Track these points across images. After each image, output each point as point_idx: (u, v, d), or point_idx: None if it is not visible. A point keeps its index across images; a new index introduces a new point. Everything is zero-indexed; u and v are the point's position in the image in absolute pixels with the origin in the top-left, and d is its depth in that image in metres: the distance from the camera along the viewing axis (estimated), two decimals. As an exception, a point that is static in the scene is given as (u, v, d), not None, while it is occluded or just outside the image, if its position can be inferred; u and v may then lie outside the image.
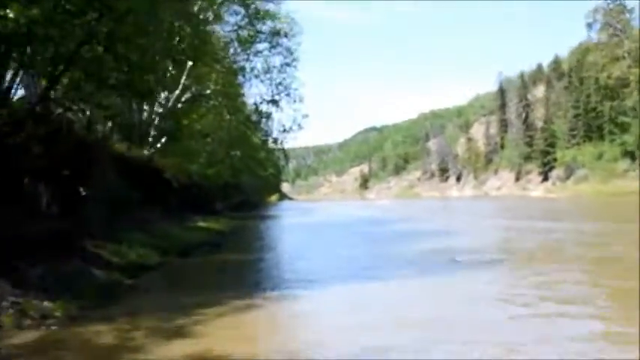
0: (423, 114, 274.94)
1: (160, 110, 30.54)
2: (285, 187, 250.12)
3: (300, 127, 36.55)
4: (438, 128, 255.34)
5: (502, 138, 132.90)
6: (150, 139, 30.89)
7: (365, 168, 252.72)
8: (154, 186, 30.83)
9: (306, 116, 37.60)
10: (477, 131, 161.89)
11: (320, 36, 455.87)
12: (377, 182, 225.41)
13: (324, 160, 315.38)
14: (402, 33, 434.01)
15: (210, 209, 52.34)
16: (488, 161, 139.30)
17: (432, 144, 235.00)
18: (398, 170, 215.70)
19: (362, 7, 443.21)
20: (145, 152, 31.17)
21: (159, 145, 30.97)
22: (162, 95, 30.41)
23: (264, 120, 34.32)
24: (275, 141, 38.48)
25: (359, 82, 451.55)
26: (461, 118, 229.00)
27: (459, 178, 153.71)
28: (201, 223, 32.78)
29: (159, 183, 31.44)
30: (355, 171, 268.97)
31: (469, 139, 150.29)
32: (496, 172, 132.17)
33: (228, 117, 32.55)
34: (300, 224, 39.91)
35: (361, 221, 39.24)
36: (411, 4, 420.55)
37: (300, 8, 46.31)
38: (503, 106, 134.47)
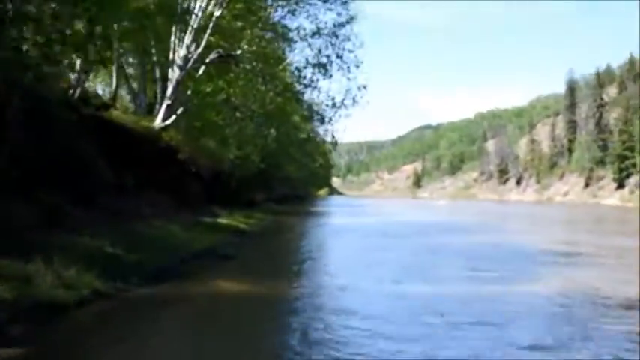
0: (481, 113, 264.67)
1: (177, 73, 23.38)
2: (336, 181, 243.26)
3: (355, 101, 28.88)
4: (496, 129, 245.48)
5: (570, 140, 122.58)
6: (163, 109, 23.86)
7: (418, 166, 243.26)
8: (161, 168, 23.78)
9: (363, 87, 29.79)
10: (540, 133, 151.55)
11: (378, 32, 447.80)
12: (430, 181, 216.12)
13: (377, 157, 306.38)
14: (461, 32, 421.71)
15: (247, 201, 45.44)
16: (553, 165, 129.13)
17: (490, 145, 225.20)
18: (453, 170, 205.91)
19: (420, 5, 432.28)
20: (156, 125, 24.18)
21: (174, 117, 23.89)
22: (180, 53, 23.26)
23: (308, 90, 26.69)
24: (322, 119, 30.71)
25: (415, 79, 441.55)
26: (520, 119, 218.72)
27: (519, 182, 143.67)
28: (224, 220, 25.55)
29: (169, 165, 24.38)
30: (408, 169, 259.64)
31: (532, 141, 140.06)
32: (562, 176, 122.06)
33: (263, 87, 25.05)
34: (352, 227, 31.89)
35: (430, 228, 31.57)
36: (471, 4, 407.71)
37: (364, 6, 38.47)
38: (572, 107, 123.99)
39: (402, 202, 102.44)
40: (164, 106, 23.92)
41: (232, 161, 32.77)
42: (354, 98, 27.95)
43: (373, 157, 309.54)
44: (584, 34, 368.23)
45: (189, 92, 24.50)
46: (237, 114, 24.69)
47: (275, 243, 23.66)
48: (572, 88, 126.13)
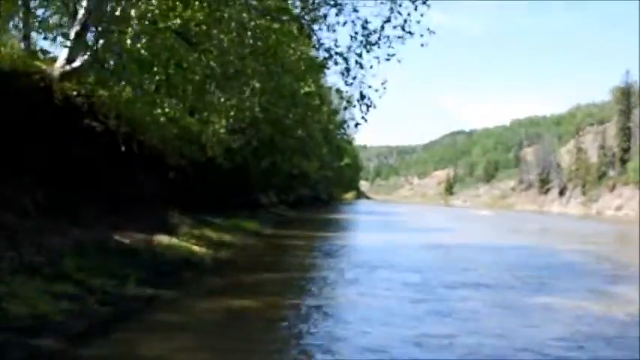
0: (518, 120, 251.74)
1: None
2: (364, 185, 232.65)
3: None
4: (533, 137, 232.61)
5: (624, 149, 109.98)
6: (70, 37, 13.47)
7: (450, 172, 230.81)
8: (56, 144, 13.31)
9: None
10: (584, 141, 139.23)
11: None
12: (463, 188, 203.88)
13: (407, 161, 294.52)
14: (497, 38, 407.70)
15: (247, 203, 35.00)
16: (602, 175, 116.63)
17: (527, 152, 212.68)
18: (488, 178, 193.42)
19: (457, 10, 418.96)
20: (55, 68, 13.72)
21: (87, 57, 13.44)
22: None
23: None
24: (345, 66, 17.89)
25: (448, 84, 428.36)
26: (560, 127, 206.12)
27: (562, 192, 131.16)
28: (173, 238, 14.98)
29: (76, 138, 13.92)
30: (439, 174, 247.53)
31: (579, 149, 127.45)
32: (613, 188, 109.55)
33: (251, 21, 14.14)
34: (393, 258, 19.04)
35: (503, 253, 20.75)
36: (508, 11, 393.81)
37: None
38: (626, 112, 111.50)
39: (437, 209, 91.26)
40: (72, 35, 13.52)
41: (218, 143, 21.95)
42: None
43: (403, 162, 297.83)
44: (623, 44, 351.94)
45: (117, 13, 13.85)
46: (203, 58, 13.86)
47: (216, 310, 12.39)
48: (627, 92, 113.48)
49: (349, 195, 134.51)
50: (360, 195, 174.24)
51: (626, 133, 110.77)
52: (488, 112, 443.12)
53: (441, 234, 30.64)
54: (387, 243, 24.52)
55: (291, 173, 54.97)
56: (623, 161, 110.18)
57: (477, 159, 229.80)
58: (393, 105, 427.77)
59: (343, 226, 39.40)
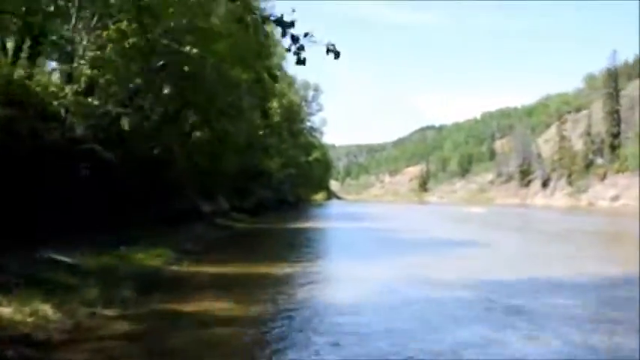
0: (489, 112, 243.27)
1: None
2: (334, 185, 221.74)
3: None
4: (505, 128, 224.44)
5: (613, 135, 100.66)
6: None
7: (422, 168, 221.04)
8: None
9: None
10: (559, 131, 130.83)
11: (378, 36, 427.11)
12: (437, 184, 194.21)
13: (377, 159, 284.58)
14: (461, 34, 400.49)
15: (180, 213, 24.02)
16: (589, 164, 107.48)
17: (500, 144, 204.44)
18: (463, 172, 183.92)
19: (416, 8, 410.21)
20: None
21: None
22: None
23: None
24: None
25: (415, 81, 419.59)
26: (532, 117, 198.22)
27: (545, 184, 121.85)
28: None
29: None
30: (411, 171, 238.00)
31: (562, 137, 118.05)
32: (603, 177, 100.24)
33: None
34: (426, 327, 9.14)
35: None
36: (474, 4, 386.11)
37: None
38: (615, 95, 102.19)
39: (420, 209, 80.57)
40: None
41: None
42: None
43: (373, 160, 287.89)
44: (592, 33, 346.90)
45: None
46: None
47: None
48: (614, 74, 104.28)
49: (319, 196, 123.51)
50: (331, 195, 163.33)
51: (614, 117, 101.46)
52: (458, 107, 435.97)
53: (478, 260, 19.68)
54: (409, 298, 12.95)
55: (247, 172, 44.02)
56: (613, 147, 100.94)
57: (449, 154, 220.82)
58: (361, 104, 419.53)
59: (315, 244, 28.07)
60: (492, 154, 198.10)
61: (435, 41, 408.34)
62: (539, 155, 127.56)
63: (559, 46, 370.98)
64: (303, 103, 75.86)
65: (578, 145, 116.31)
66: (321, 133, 77.66)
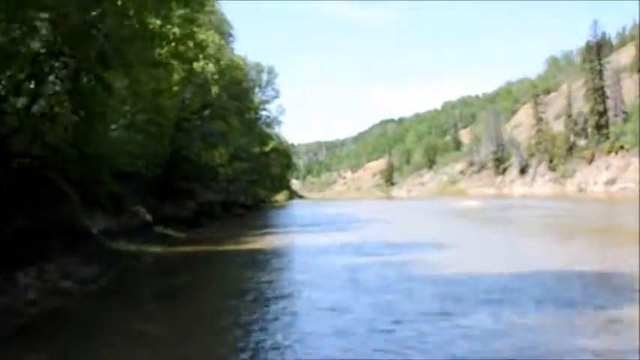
0: (450, 102, 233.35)
1: None
2: (295, 184, 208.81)
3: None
4: (468, 117, 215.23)
5: (599, 113, 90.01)
6: None
7: (384, 162, 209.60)
8: None
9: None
10: (526, 115, 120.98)
11: (331, 32, 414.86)
12: (403, 177, 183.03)
13: (338, 155, 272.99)
14: (414, 27, 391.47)
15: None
16: (571, 146, 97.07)
17: (465, 133, 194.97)
18: (429, 164, 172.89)
19: (373, 6, 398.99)
20: None
21: None
22: None
23: None
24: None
25: (373, 75, 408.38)
26: (495, 104, 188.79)
27: (523, 171, 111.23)
28: None
29: None
30: (373, 166, 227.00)
31: (539, 119, 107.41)
32: (591, 159, 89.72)
33: None
34: None
35: None
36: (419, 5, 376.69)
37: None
38: (598, 71, 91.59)
39: (396, 206, 68.32)
40: None
41: None
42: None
43: (334, 156, 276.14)
44: (543, 19, 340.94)
45: None
46: None
47: None
48: (596, 46, 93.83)
49: (281, 196, 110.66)
50: (293, 195, 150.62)
51: (600, 94, 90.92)
52: (418, 99, 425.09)
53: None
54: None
55: (178, 167, 31.23)
56: (599, 127, 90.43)
57: (412, 145, 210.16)
58: (318, 100, 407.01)
59: (243, 270, 15.39)
60: (458, 144, 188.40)
61: (388, 36, 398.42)
62: (513, 141, 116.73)
63: (511, 33, 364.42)
64: (257, 90, 63.09)
65: (555, 127, 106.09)
66: (279, 123, 64.96)
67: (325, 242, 22.32)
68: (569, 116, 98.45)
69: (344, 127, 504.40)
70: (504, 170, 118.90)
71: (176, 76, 23.02)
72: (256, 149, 42.81)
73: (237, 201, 43.24)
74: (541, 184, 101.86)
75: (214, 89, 31.22)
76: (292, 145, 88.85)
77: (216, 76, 30.54)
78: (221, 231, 29.91)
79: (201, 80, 29.85)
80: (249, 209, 53.00)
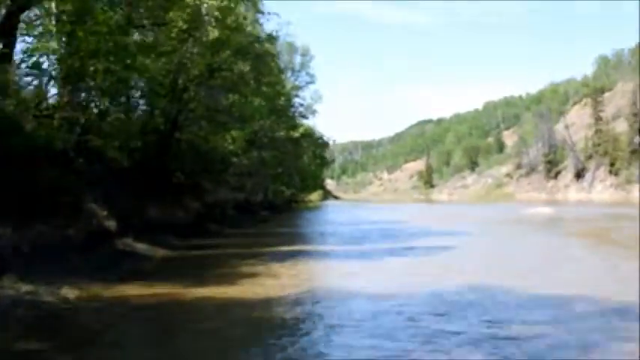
0: (492, 102, 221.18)
1: None
2: (330, 183, 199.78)
3: None
4: (511, 118, 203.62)
5: (673, 110, 79.17)
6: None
7: (422, 164, 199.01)
8: None
9: None
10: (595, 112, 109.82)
11: (368, 34, 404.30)
12: (441, 180, 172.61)
13: (374, 155, 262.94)
14: (451, 30, 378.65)
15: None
16: (635, 149, 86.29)
17: (509, 135, 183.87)
18: (472, 166, 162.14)
19: (415, 8, 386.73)
20: None
21: None
22: None
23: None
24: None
25: (412, 76, 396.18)
26: (541, 104, 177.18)
27: (579, 175, 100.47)
28: None
29: None
30: (410, 167, 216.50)
31: (598, 118, 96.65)
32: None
33: None
34: None
35: None
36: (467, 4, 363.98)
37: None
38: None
39: (446, 211, 58.67)
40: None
41: None
42: None
43: (370, 156, 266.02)
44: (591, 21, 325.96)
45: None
46: None
47: None
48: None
49: (315, 196, 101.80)
50: (327, 195, 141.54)
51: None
52: (457, 99, 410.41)
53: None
54: None
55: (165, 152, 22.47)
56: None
57: (452, 147, 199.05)
58: (355, 100, 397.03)
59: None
60: (501, 146, 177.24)
61: (427, 37, 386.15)
62: (570, 142, 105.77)
63: (554, 33, 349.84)
64: (289, 74, 54.26)
65: (617, 128, 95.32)
66: (314, 112, 55.95)
67: (405, 288, 12.57)
68: (635, 114, 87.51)
69: (381, 127, 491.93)
70: (557, 174, 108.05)
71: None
72: (281, 133, 33.53)
73: (257, 201, 34.15)
74: (600, 189, 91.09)
75: (224, 54, 22.47)
76: (332, 141, 78.53)
77: (226, 32, 21.73)
78: (229, 246, 20.96)
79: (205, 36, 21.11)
80: (276, 211, 44.08)
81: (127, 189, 19.50)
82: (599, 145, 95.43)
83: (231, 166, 26.55)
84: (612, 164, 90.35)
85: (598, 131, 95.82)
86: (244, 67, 23.57)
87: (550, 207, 48.15)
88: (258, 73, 25.75)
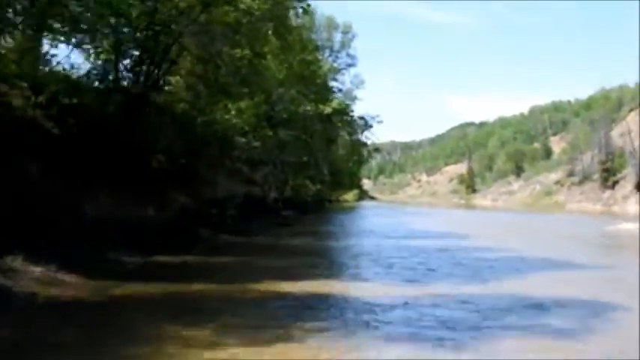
0: (538, 107, 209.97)
1: None
2: (366, 183, 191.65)
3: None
4: (558, 123, 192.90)
5: None
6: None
7: (462, 167, 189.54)
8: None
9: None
10: (635, 122, 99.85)
11: (413, 34, 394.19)
12: (484, 184, 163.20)
13: (413, 157, 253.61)
14: (496, 33, 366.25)
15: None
16: None
17: (556, 141, 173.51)
18: (517, 171, 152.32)
19: (459, 8, 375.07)
20: None
21: None
22: None
23: None
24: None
25: (453, 77, 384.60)
26: (591, 110, 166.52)
27: (639, 185, 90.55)
28: None
29: None
30: (450, 170, 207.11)
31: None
32: None
33: None
34: None
35: None
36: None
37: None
38: None
39: (498, 220, 50.39)
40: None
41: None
42: None
43: (408, 158, 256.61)
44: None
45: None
46: None
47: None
48: None
49: (350, 195, 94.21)
50: (364, 195, 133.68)
51: None
52: (500, 103, 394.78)
53: None
54: None
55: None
56: None
57: (495, 151, 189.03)
58: (395, 100, 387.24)
59: None
60: (548, 152, 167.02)
61: (472, 41, 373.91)
62: (632, 148, 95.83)
63: (604, 37, 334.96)
64: (327, 54, 46.61)
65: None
66: (354, 99, 48.11)
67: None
68: None
69: (421, 128, 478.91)
70: (615, 184, 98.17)
71: None
72: (308, 108, 25.04)
73: (278, 198, 26.21)
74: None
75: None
76: (364, 143, 68.33)
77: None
78: (198, 277, 13.20)
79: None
80: (303, 210, 36.22)
81: (54, 170, 12.13)
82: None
83: (235, 149, 18.96)
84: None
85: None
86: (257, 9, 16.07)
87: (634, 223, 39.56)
88: (282, 28, 18.27)
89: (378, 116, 50.30)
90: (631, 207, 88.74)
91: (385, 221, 39.20)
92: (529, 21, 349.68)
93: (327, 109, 24.77)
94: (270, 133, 20.92)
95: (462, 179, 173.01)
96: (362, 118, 49.52)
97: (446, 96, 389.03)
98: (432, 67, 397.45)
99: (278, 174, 22.47)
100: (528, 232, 33.04)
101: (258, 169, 21.69)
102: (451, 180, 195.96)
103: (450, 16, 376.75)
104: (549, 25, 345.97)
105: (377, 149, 73.18)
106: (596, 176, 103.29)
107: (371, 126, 51.31)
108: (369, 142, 64.47)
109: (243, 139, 19.12)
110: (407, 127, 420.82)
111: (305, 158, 22.85)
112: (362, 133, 56.29)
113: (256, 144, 19.26)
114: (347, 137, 56.64)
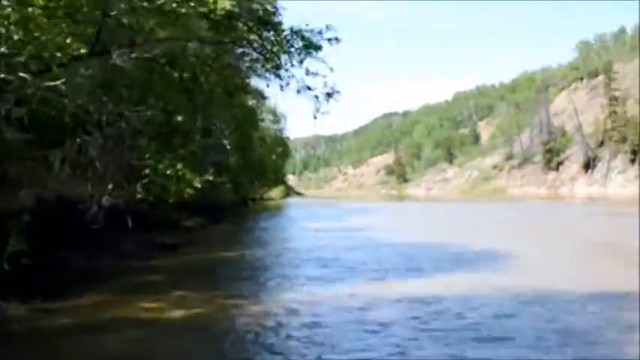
0: (462, 93, 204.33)
1: None
2: (291, 179, 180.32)
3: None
4: (484, 109, 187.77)
5: None
6: None
7: (389, 158, 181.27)
8: None
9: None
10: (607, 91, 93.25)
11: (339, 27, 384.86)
12: (413, 174, 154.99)
13: (338, 150, 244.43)
14: (420, 20, 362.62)
15: None
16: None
17: (484, 125, 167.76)
18: (449, 158, 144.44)
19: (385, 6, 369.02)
20: None
21: None
22: None
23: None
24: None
25: (374, 68, 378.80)
26: (516, 93, 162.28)
27: (588, 165, 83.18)
28: None
29: None
30: (377, 161, 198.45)
31: (613, 98, 79.46)
32: None
33: None
34: None
35: None
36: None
37: None
38: None
39: (448, 212, 40.42)
40: None
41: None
42: None
43: (333, 151, 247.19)
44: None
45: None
46: None
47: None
48: None
49: (276, 192, 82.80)
50: (290, 191, 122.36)
51: None
52: (424, 91, 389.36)
53: None
54: None
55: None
56: None
57: (421, 139, 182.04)
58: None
59: None
60: (476, 137, 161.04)
61: (393, 30, 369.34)
62: (577, 124, 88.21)
63: (526, 24, 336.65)
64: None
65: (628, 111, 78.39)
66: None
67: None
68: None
69: (344, 121, 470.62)
70: (559, 164, 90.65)
71: None
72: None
73: (204, 205, 13.38)
74: (620, 182, 73.74)
75: None
76: (288, 139, 62.63)
77: None
78: None
79: None
80: (218, 216, 24.51)
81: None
82: (613, 129, 78.16)
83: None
84: (634, 152, 73.08)
85: (612, 113, 78.49)
86: None
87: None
88: None
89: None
90: (580, 188, 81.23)
91: (322, 224, 28.28)
92: (445, 9, 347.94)
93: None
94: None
95: (390, 169, 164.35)
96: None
97: (368, 87, 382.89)
98: (351, 58, 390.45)
99: (120, 151, 10.19)
100: (494, 226, 22.38)
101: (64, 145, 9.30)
102: (378, 171, 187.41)
103: (362, 11, 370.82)
104: (469, 13, 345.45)
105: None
106: (537, 158, 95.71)
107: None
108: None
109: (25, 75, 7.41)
110: (330, 120, 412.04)
111: (180, 118, 11.29)
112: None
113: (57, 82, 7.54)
114: (271, 128, 48.04)
